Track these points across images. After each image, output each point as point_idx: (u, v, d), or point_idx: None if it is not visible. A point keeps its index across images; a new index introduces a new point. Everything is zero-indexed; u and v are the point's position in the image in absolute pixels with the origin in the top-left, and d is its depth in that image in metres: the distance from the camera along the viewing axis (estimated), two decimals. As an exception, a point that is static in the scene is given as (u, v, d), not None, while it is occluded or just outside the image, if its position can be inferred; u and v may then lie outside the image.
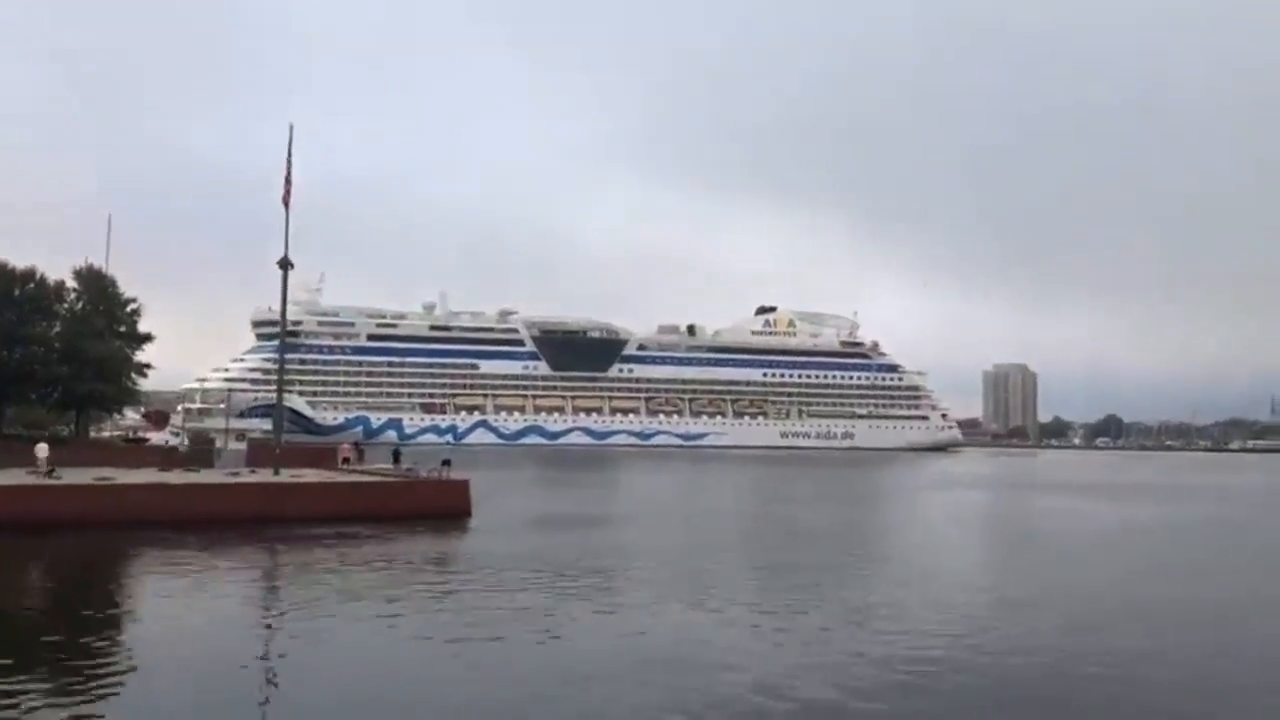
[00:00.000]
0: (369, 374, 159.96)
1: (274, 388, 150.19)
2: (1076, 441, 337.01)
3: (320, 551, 25.58)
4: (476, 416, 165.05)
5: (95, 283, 56.50)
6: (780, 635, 15.67)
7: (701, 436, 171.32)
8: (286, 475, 38.37)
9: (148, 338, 59.48)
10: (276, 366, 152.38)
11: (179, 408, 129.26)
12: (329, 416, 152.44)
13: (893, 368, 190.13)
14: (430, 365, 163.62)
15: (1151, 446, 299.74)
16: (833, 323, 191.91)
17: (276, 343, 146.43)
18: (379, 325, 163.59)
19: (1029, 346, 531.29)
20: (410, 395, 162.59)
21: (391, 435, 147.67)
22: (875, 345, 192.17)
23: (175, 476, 36.75)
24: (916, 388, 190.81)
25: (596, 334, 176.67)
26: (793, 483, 67.92)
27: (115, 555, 24.89)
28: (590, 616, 17.10)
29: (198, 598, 18.88)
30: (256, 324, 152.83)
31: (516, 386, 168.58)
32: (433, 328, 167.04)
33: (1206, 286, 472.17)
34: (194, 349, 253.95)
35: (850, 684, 12.27)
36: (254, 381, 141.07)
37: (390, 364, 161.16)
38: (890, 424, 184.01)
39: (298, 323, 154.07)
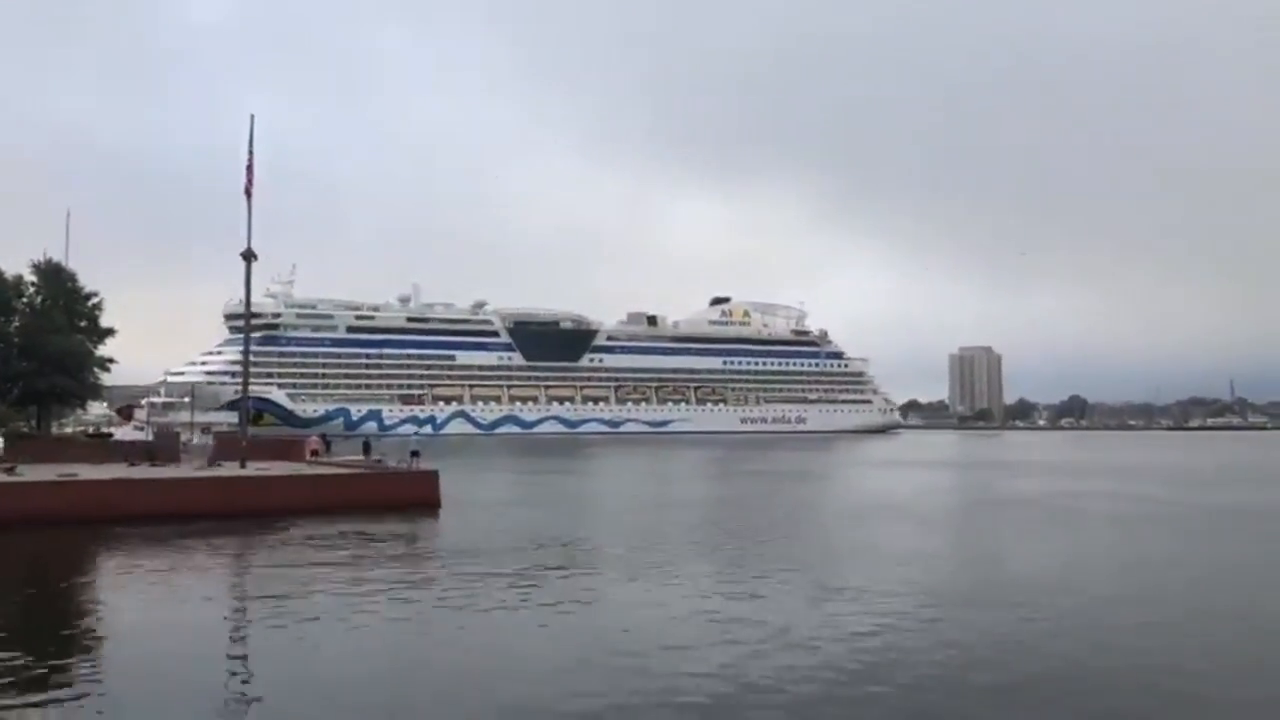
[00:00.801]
0: (348, 366, 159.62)
1: (254, 381, 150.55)
2: (1041, 423, 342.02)
3: (286, 545, 25.57)
4: (454, 407, 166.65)
5: (54, 277, 55.73)
6: (723, 614, 16.03)
7: (668, 423, 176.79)
8: (253, 468, 38.19)
9: (109, 332, 58.86)
10: (255, 360, 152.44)
11: (144, 402, 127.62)
12: (310, 409, 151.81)
13: (838, 355, 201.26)
14: (408, 357, 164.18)
15: (1114, 426, 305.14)
16: (783, 313, 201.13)
17: (255, 335, 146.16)
18: (357, 317, 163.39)
19: (995, 329, 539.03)
20: (389, 387, 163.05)
21: (372, 427, 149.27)
22: (824, 334, 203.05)
23: (140, 471, 36.47)
24: (860, 374, 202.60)
25: (568, 325, 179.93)
26: (740, 464, 68.97)
27: (79, 553, 24.68)
28: (555, 606, 17.31)
29: (164, 594, 18.87)
30: (230, 316, 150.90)
31: (492, 377, 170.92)
32: (409, 319, 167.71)
33: (1169, 268, 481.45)
34: (164, 342, 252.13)
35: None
36: (234, 375, 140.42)
37: (369, 356, 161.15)
38: (837, 408, 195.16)
39: (277, 315, 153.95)
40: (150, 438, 62.23)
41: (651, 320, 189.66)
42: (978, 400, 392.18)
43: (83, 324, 56.77)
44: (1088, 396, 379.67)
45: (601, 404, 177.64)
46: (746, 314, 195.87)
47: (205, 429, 73.55)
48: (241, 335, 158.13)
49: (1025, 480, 52.92)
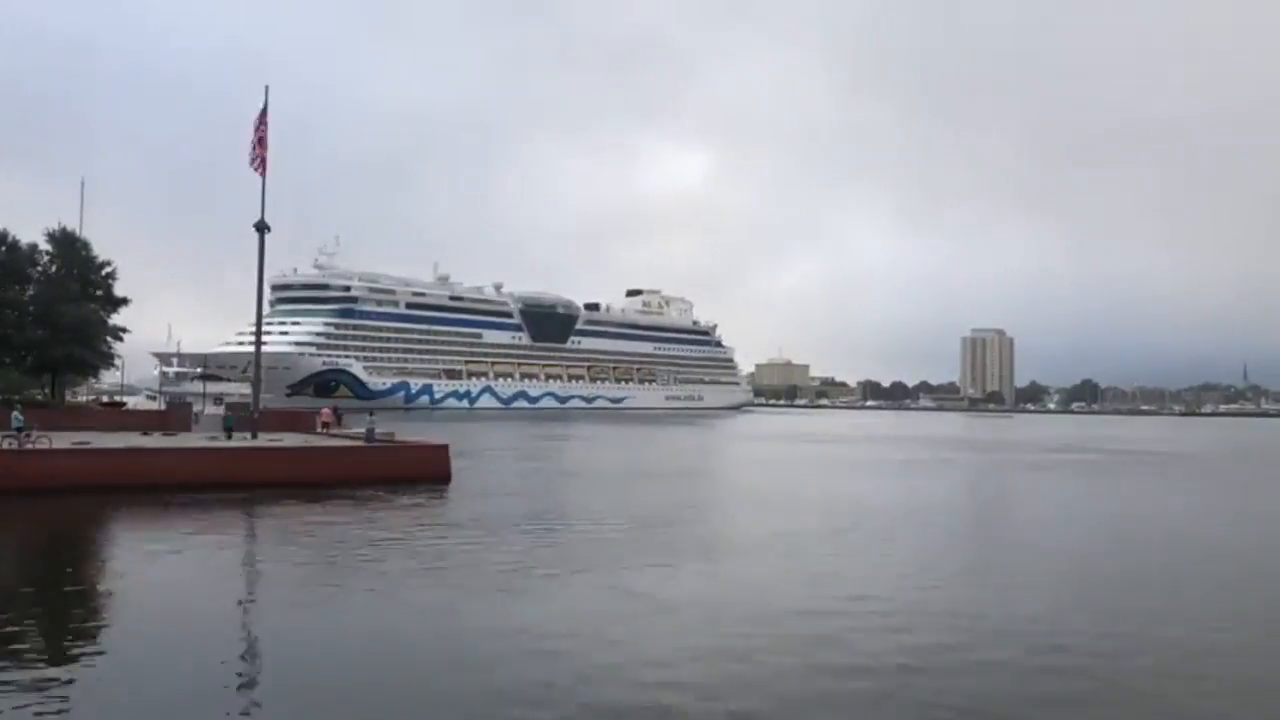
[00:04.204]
0: (406, 341, 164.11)
1: (334, 354, 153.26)
2: (1052, 406, 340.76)
3: (299, 516, 25.71)
4: (483, 383, 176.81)
5: (68, 246, 55.77)
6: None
7: (623, 400, 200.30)
8: (265, 439, 38.37)
9: (123, 301, 58.85)
10: (337, 332, 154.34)
11: (155, 370, 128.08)
12: (378, 382, 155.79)
13: (719, 344, 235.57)
14: (451, 334, 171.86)
15: (1126, 411, 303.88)
16: (678, 305, 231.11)
17: (331, 307, 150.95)
18: (414, 294, 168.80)
19: (1008, 311, 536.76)
20: (437, 362, 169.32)
21: (425, 400, 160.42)
22: (713, 326, 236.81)
23: (154, 441, 36.68)
24: (730, 360, 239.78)
25: (561, 309, 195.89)
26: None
27: (90, 521, 24.87)
28: (568, 582, 17.39)
29: (175, 564, 18.99)
30: (277, 287, 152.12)
31: (509, 355, 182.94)
32: (451, 298, 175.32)
33: (1187, 251, 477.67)
34: (184, 313, 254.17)
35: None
36: (319, 348, 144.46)
37: (421, 332, 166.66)
38: (721, 388, 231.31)
39: (347, 289, 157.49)
40: (163, 407, 62.69)
41: (593, 307, 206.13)
42: (989, 383, 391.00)
43: (97, 293, 56.83)
44: (1101, 380, 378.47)
45: (580, 382, 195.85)
46: (661, 305, 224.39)
47: (217, 399, 73.95)
48: (293, 305, 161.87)
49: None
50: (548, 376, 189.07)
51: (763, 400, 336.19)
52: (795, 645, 12.63)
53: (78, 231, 57.13)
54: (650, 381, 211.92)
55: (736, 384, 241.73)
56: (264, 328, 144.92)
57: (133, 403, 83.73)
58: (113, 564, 19.55)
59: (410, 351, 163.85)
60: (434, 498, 30.60)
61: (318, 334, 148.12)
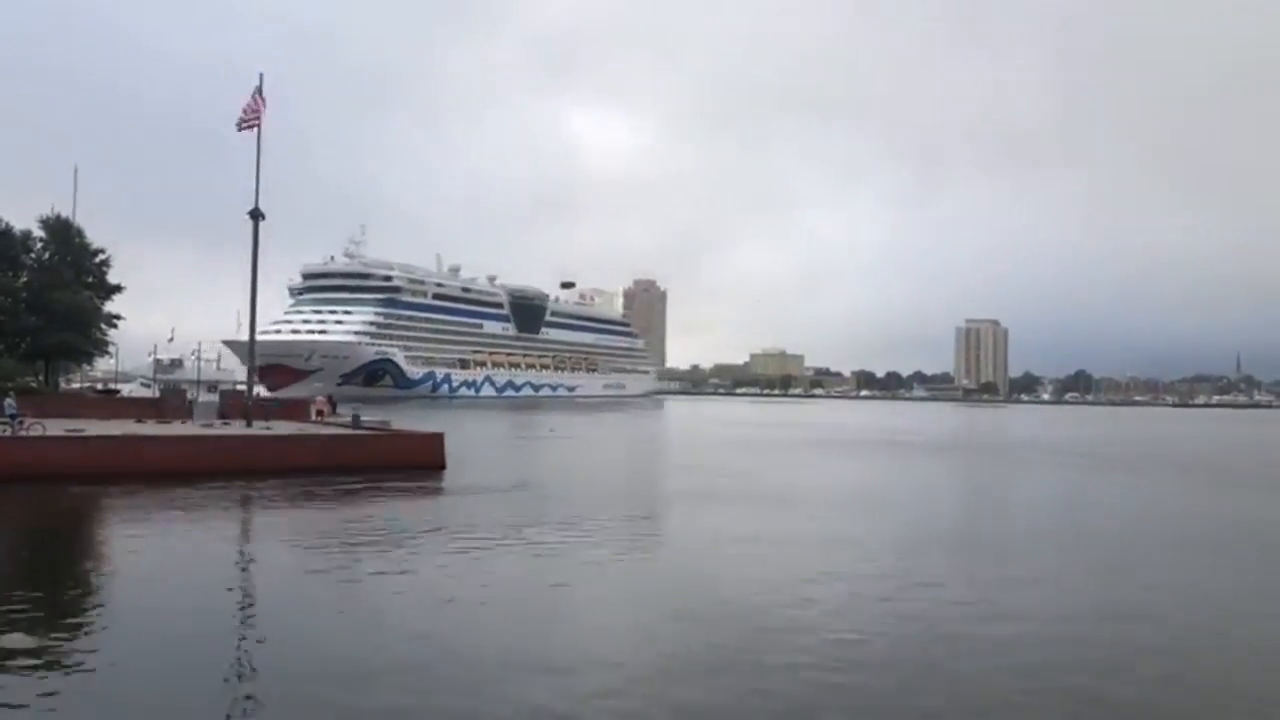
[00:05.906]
0: (434, 331, 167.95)
1: (383, 344, 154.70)
2: (1045, 397, 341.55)
3: (295, 503, 25.77)
4: (484, 372, 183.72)
5: (62, 233, 55.60)
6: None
7: (575, 388, 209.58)
8: (259, 427, 38.39)
9: (117, 288, 58.73)
10: (384, 322, 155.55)
11: (148, 358, 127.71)
12: (414, 371, 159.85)
13: (635, 335, 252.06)
14: (463, 324, 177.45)
15: (1119, 402, 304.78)
16: (603, 297, 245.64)
17: (376, 297, 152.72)
18: (437, 285, 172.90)
19: (1003, 300, 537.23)
20: (453, 352, 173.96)
21: (445, 389, 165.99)
22: (629, 319, 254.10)
23: (149, 428, 36.66)
24: (645, 351, 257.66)
25: (539, 301, 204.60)
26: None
27: (82, 508, 24.88)
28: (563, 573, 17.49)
29: (166, 550, 19.04)
30: (310, 275, 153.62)
31: (501, 346, 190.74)
32: (463, 289, 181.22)
33: (1183, 243, 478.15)
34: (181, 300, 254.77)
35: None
36: (372, 337, 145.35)
37: (442, 322, 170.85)
38: (638, 377, 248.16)
39: (389, 279, 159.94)
40: (157, 395, 62.67)
41: (543, 297, 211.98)
42: (983, 373, 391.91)
43: (90, 280, 56.69)
44: (1095, 371, 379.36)
45: (547, 371, 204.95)
46: (593, 298, 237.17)
47: (211, 387, 73.95)
48: (329, 294, 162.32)
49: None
50: (526, 365, 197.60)
51: (758, 390, 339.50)
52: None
53: (72, 218, 57.03)
54: (594, 371, 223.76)
55: (648, 373, 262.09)
56: (303, 316, 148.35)
57: (126, 390, 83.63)
58: (104, 551, 19.61)
59: (436, 342, 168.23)
60: (427, 484, 30.68)
61: (369, 323, 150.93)
